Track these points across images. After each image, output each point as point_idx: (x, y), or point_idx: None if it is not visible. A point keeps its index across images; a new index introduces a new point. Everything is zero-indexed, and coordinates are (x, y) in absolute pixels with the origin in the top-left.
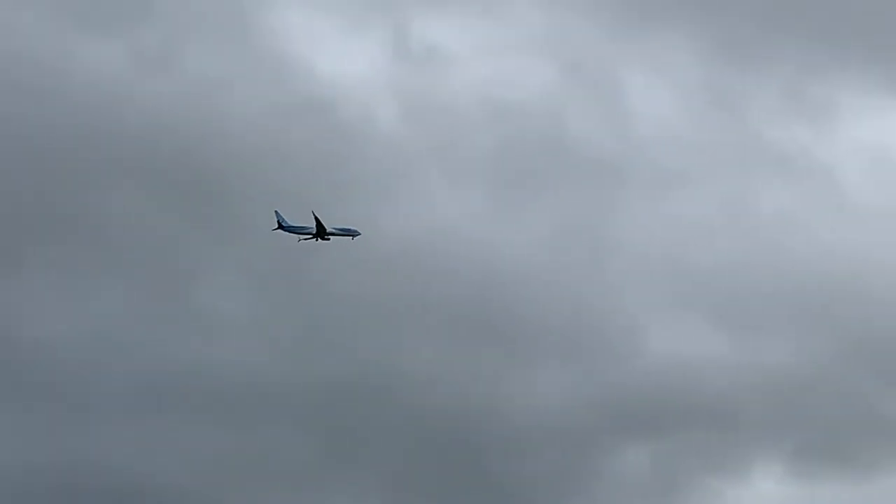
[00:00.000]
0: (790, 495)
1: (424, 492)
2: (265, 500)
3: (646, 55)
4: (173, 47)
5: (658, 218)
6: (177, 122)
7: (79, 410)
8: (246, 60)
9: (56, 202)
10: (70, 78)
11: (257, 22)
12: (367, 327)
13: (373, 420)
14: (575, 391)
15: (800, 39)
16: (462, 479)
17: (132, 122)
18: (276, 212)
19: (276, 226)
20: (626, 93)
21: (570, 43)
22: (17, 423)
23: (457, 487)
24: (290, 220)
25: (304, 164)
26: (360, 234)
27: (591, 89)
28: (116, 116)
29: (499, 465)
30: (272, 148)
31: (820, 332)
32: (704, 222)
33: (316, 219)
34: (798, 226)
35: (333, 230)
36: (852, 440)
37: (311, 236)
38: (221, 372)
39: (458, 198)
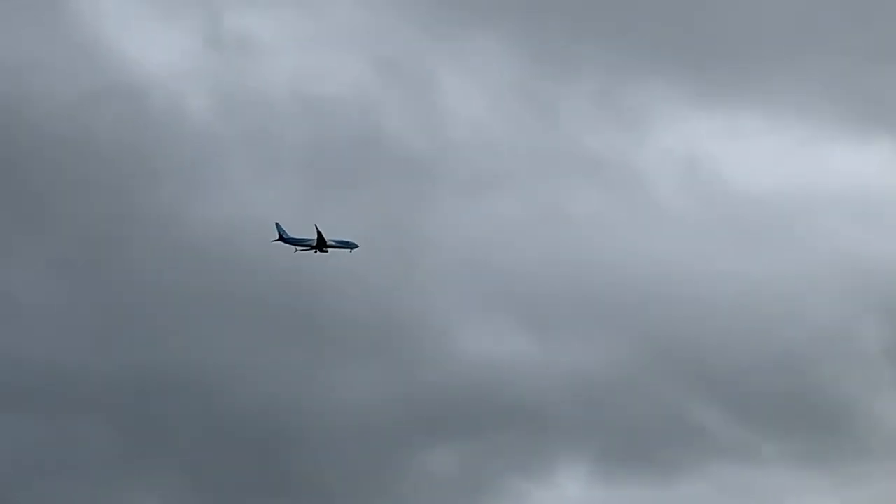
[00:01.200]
0: (595, 497)
1: (233, 488)
2: (64, 494)
3: (462, 55)
4: None
5: (470, 219)
6: None
7: None
8: (54, 45)
9: None
10: None
11: (67, 6)
12: (172, 319)
13: (176, 416)
14: (384, 390)
15: (613, 46)
16: (270, 476)
17: None
18: (276, 224)
19: (277, 237)
20: (441, 92)
21: (385, 39)
22: None
23: (263, 485)
24: (291, 233)
25: (112, 152)
26: (357, 246)
27: (406, 87)
28: None
29: (306, 463)
30: (80, 135)
31: (626, 335)
32: (516, 224)
33: (318, 232)
34: (607, 230)
35: (332, 243)
36: (656, 443)
37: (309, 248)
38: (20, 363)
39: (268, 191)
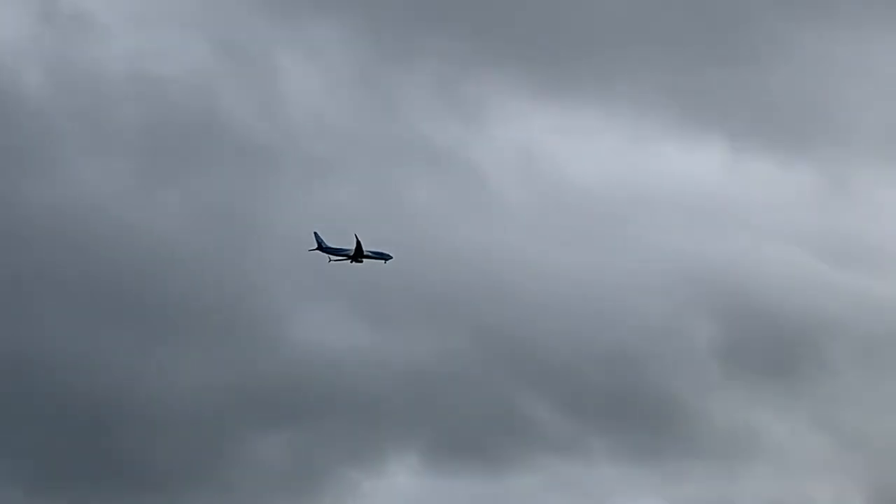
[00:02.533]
0: (426, 487)
1: (62, 472)
2: None
3: (302, 41)
4: None
5: (306, 205)
6: None
7: None
8: None
9: None
10: None
11: None
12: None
13: (4, 399)
14: (216, 376)
15: (454, 37)
16: (100, 460)
17: None
18: (315, 233)
19: (316, 246)
20: (280, 77)
21: (226, 21)
22: None
23: (92, 469)
24: (329, 242)
25: None
26: (392, 257)
27: (245, 71)
28: None
29: (136, 449)
30: None
31: (459, 327)
32: (352, 212)
33: (357, 242)
34: (444, 221)
35: (368, 253)
36: (487, 436)
37: (346, 258)
38: None
39: (102, 171)
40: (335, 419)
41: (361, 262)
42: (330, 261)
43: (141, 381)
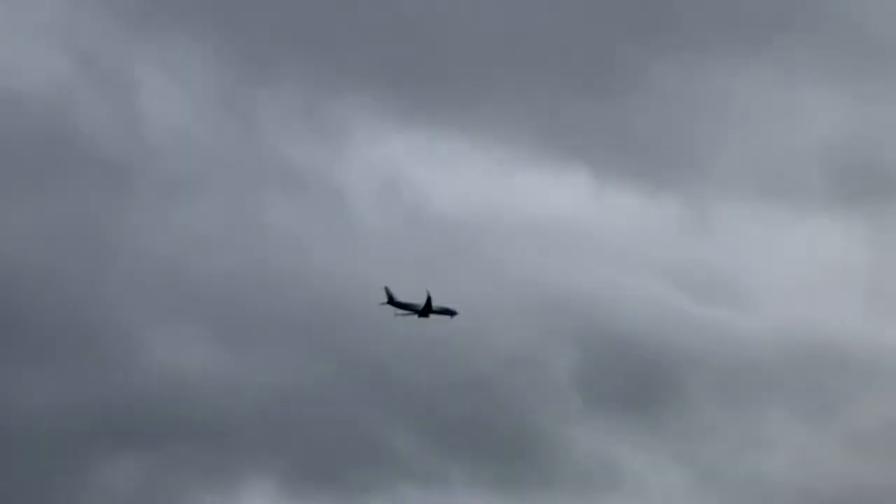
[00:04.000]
0: None
1: None
2: None
3: (165, 58)
4: None
5: (163, 225)
6: None
7: None
8: None
9: None
10: None
11: None
12: None
13: None
14: (68, 396)
15: (318, 59)
16: None
17: None
18: (385, 288)
19: (386, 300)
20: (141, 94)
21: (86, 35)
22: None
23: None
24: (400, 297)
25: None
26: (458, 313)
27: (105, 86)
28: None
29: None
30: None
31: (319, 354)
32: (210, 233)
33: (428, 298)
34: (305, 244)
35: (437, 308)
36: (346, 463)
37: (413, 313)
38: None
39: None
40: (190, 443)
41: (428, 317)
42: (396, 315)
43: None
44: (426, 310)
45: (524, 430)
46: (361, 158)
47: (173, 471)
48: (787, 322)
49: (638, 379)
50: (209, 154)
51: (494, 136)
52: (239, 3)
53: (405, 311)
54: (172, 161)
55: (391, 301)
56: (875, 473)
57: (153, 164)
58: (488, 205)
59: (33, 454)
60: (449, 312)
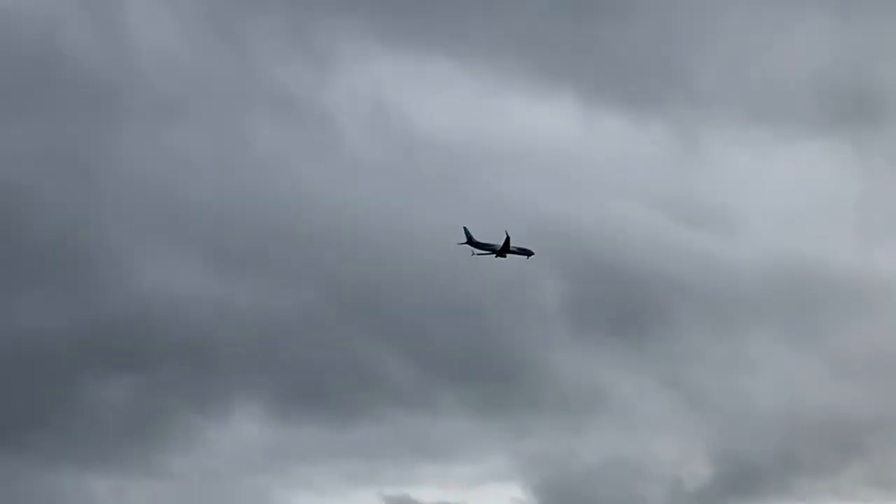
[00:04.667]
0: (270, 436)
1: None
2: None
3: None
4: None
5: (152, 148)
6: None
7: None
8: None
9: None
10: None
11: None
12: None
13: None
14: (56, 319)
15: None
16: None
17: None
18: (464, 228)
19: (466, 240)
20: (127, 16)
21: None
22: None
23: None
24: (478, 237)
25: None
26: (534, 253)
27: (91, 8)
28: None
29: None
30: None
31: (308, 277)
32: (198, 156)
33: (506, 238)
34: (292, 168)
35: (514, 249)
36: (334, 386)
37: (491, 252)
38: None
39: None
40: (179, 365)
41: (505, 257)
42: (473, 254)
43: None
44: (504, 250)
45: (512, 355)
46: (349, 81)
47: (162, 393)
48: (774, 247)
49: (625, 304)
50: (197, 76)
51: (482, 61)
52: None
53: (483, 251)
54: (160, 83)
55: (470, 241)
56: (859, 398)
57: (141, 86)
58: (475, 129)
59: (21, 376)
60: (526, 252)
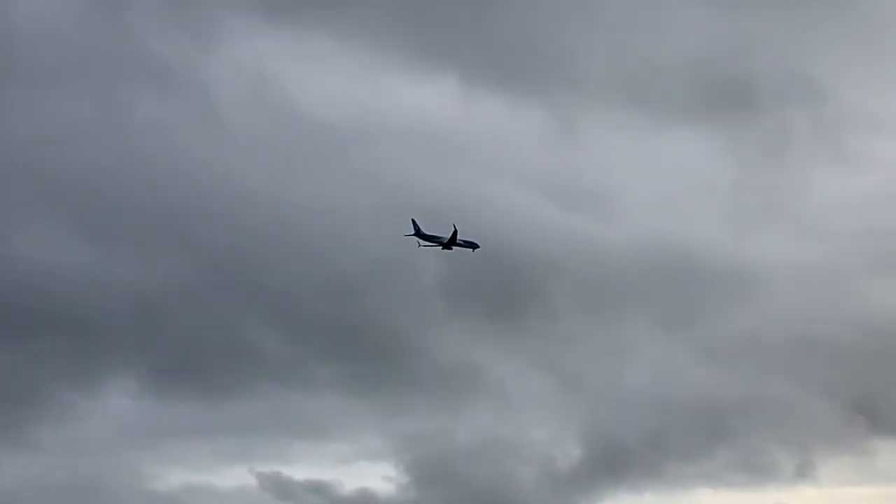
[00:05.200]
0: (144, 411)
1: None
2: None
3: None
4: None
5: (30, 116)
6: None
7: None
8: None
9: None
10: None
11: None
12: None
13: None
14: None
15: None
16: None
17: None
18: (413, 220)
19: (413, 232)
20: None
21: None
22: None
23: None
24: (426, 230)
25: None
26: (479, 246)
27: None
28: None
29: None
30: None
31: (184, 251)
32: (77, 125)
33: (454, 231)
34: (171, 140)
35: (459, 241)
36: (209, 362)
37: (437, 245)
38: None
39: None
40: (53, 338)
41: (451, 249)
42: (419, 245)
43: None
44: (451, 242)
45: (389, 334)
46: (229, 56)
47: (34, 365)
48: (649, 232)
49: (502, 285)
50: (76, 46)
51: (363, 39)
52: None
53: (430, 243)
54: (39, 51)
55: (418, 233)
56: (730, 383)
57: (19, 53)
58: (356, 107)
59: None
60: (472, 245)
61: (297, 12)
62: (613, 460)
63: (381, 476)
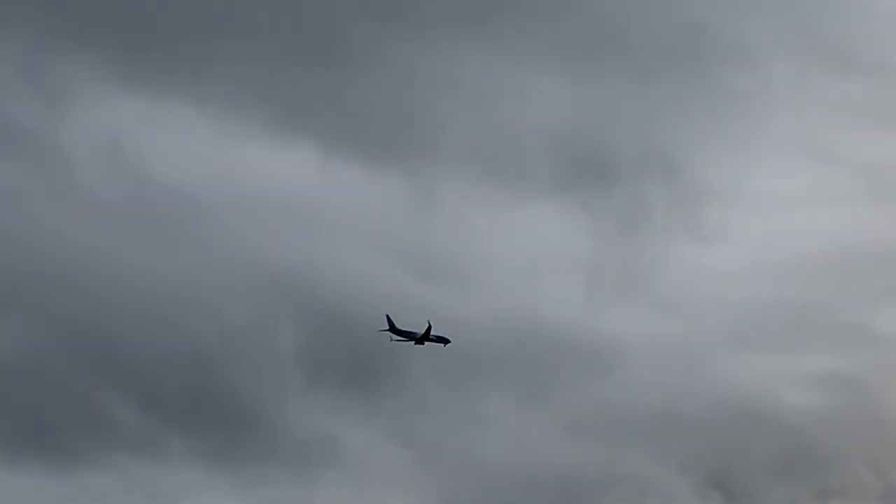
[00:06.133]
0: None
1: None
2: None
3: None
4: None
5: None
6: None
7: None
8: None
9: None
10: None
11: None
12: None
13: None
14: None
15: (43, 16)
16: None
17: None
18: (387, 316)
19: (387, 327)
20: None
21: None
22: None
23: None
24: (400, 325)
25: None
26: (451, 341)
27: None
28: None
29: None
30: None
31: (35, 319)
32: None
33: (428, 326)
34: (23, 207)
35: (431, 337)
36: (60, 431)
37: (409, 340)
38: None
39: None
40: None
41: (423, 344)
42: (391, 340)
43: None
44: (423, 338)
45: (244, 404)
46: (86, 121)
47: None
48: (507, 305)
49: (359, 356)
50: None
51: (222, 105)
52: None
53: (402, 338)
54: None
55: (392, 328)
56: (588, 457)
57: None
58: (214, 175)
59: None
60: (443, 340)
61: (155, 76)
62: None
63: None
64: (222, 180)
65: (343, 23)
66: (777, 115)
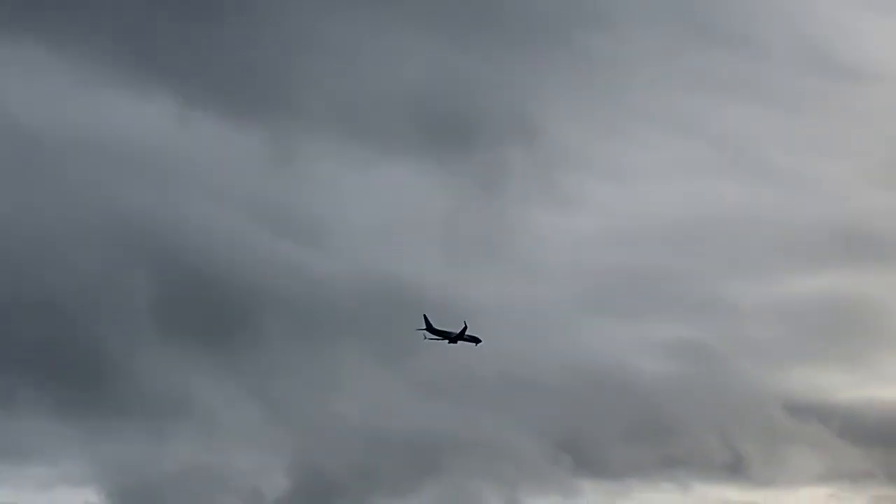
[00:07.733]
0: None
1: None
2: None
3: None
4: None
5: None
6: None
7: None
8: None
9: None
10: None
11: None
12: None
13: None
14: None
15: None
16: None
17: None
18: (424, 315)
19: (425, 326)
20: None
21: None
22: None
23: None
24: (437, 325)
25: None
26: (482, 341)
27: None
28: None
29: None
30: None
31: None
32: None
33: (465, 326)
34: None
35: (466, 336)
36: None
37: (445, 339)
38: None
39: None
40: None
41: (456, 343)
42: (426, 338)
43: None
44: (458, 337)
45: (95, 356)
46: None
47: None
48: (362, 263)
49: (213, 310)
50: None
51: (80, 52)
52: None
53: (437, 337)
54: None
55: (429, 328)
56: (442, 417)
57: None
58: (69, 121)
59: None
60: (475, 339)
61: (10, 18)
62: (321, 493)
63: (82, 502)
64: (78, 126)
65: None
66: (638, 84)
